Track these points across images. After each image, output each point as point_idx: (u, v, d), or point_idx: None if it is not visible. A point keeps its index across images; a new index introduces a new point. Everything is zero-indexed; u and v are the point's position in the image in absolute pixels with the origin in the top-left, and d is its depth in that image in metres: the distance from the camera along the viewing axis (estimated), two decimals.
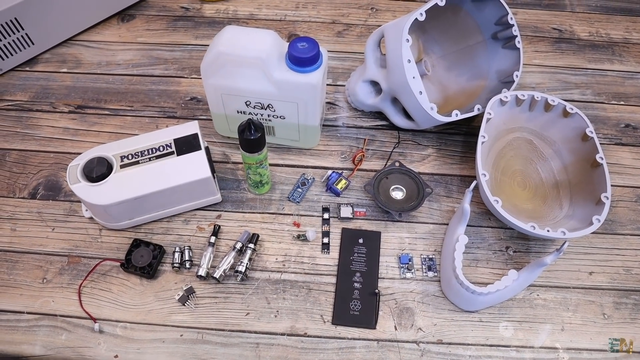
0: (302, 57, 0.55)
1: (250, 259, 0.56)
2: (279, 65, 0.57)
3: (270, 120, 0.63)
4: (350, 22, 0.83)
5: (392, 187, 0.61)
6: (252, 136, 0.53)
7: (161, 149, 0.57)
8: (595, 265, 0.59)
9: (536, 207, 0.62)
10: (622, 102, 0.74)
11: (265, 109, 0.61)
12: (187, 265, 0.57)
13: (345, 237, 0.60)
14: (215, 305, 0.55)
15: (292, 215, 0.62)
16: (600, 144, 0.68)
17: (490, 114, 0.62)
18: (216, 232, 0.59)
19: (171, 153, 0.57)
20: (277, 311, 0.55)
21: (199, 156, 0.57)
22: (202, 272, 0.56)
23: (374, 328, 0.54)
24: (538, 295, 0.57)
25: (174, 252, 0.57)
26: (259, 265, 0.58)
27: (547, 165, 0.65)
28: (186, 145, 0.58)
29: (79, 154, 0.58)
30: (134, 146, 0.58)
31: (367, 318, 0.54)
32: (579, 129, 0.63)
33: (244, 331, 0.54)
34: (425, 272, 0.57)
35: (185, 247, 0.58)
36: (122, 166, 0.56)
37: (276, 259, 0.58)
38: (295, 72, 0.56)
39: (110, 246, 0.59)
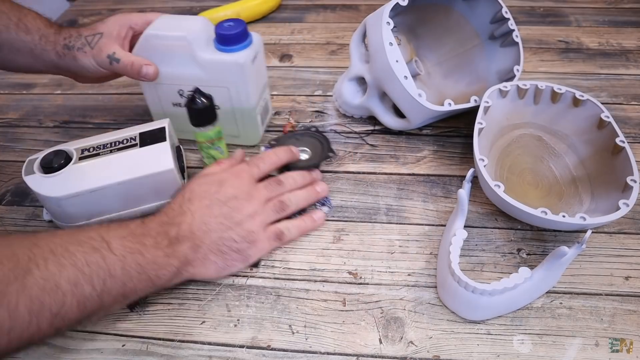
0: (228, 34, 0.53)
1: None
2: (206, 47, 0.55)
3: None
4: (345, 43, 0.82)
5: (299, 148, 0.58)
6: (200, 105, 0.49)
7: (125, 141, 0.53)
8: (632, 269, 0.48)
9: (551, 204, 0.52)
10: None
11: None
12: None
13: None
14: (167, 312, 0.47)
15: None
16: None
17: (487, 102, 0.55)
18: None
19: (134, 145, 0.53)
20: (238, 320, 0.46)
21: (163, 147, 0.52)
22: None
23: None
24: (561, 303, 0.45)
25: None
26: None
27: (561, 162, 0.57)
28: (151, 137, 0.53)
29: None
30: (97, 141, 0.54)
31: None
32: (593, 117, 0.55)
33: (196, 342, 0.44)
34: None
35: None
36: (80, 158, 0.52)
37: None
38: (223, 52, 0.55)
39: None
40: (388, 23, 0.55)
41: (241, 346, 0.44)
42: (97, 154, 0.52)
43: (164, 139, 0.53)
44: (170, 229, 0.44)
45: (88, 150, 0.53)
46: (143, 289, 0.42)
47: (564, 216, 0.44)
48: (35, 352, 0.44)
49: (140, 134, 0.54)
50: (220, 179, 0.48)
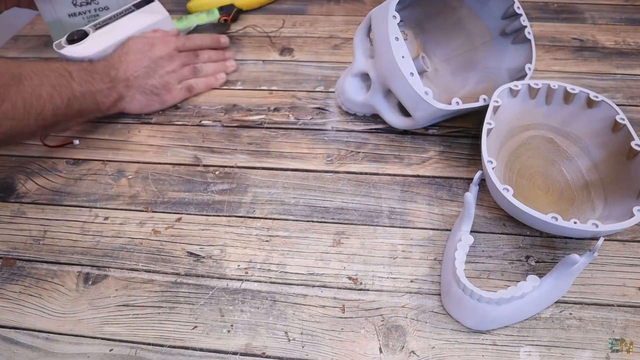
0: None
1: None
2: None
3: (98, 16, 0.73)
4: (349, 37, 0.79)
5: None
6: None
7: (124, 11, 0.69)
8: None
9: (562, 210, 0.50)
10: None
11: (91, 4, 0.72)
12: None
13: None
14: (157, 316, 0.45)
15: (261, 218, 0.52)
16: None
17: (497, 101, 0.53)
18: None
19: (132, 10, 0.69)
20: (232, 325, 0.44)
21: (155, 5, 0.70)
22: None
23: None
24: (571, 313, 0.43)
25: None
26: (216, 273, 0.48)
27: (573, 165, 0.54)
28: (143, 3, 0.70)
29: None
30: (105, 17, 0.68)
31: None
32: (607, 119, 0.52)
33: (187, 348, 0.43)
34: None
35: None
36: (96, 29, 0.67)
37: (238, 265, 0.48)
38: None
39: (52, 249, 0.51)
40: (394, 17, 0.52)
41: (234, 353, 0.42)
42: (107, 23, 0.67)
43: (152, 1, 0.70)
44: (111, 70, 0.59)
45: (99, 24, 0.67)
46: (93, 110, 0.58)
47: (575, 222, 0.42)
48: (19, 356, 0.43)
49: (134, 4, 0.70)
50: (152, 42, 0.64)
